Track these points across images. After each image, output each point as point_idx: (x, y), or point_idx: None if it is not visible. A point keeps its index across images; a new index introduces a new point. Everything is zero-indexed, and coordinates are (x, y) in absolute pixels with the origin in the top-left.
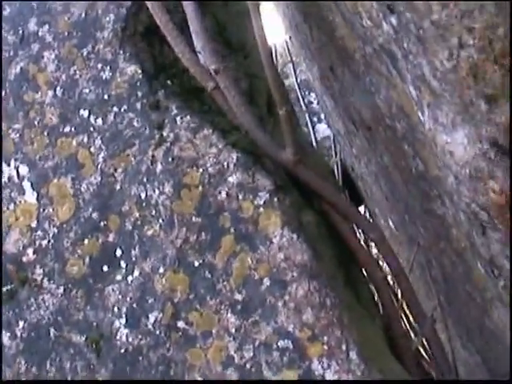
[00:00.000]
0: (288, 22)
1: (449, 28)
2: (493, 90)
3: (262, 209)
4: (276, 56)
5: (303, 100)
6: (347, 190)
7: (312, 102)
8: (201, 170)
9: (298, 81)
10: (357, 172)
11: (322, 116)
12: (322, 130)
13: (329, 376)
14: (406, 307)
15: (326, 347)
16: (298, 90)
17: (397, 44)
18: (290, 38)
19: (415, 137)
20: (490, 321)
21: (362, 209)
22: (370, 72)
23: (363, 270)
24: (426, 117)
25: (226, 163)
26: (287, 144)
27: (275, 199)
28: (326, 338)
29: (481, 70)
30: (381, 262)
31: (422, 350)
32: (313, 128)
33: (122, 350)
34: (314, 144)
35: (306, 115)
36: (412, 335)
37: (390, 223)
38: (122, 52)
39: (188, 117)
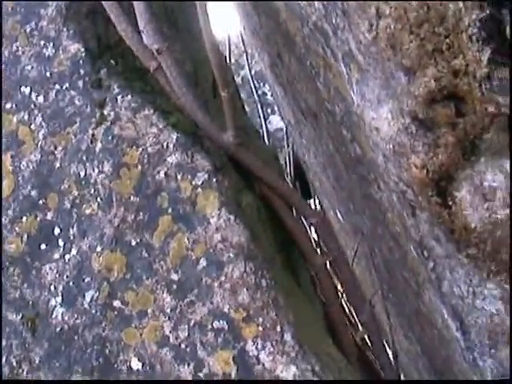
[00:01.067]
0: (241, 11)
1: None
2: (410, 61)
3: (200, 189)
4: (230, 46)
5: (256, 91)
6: (299, 181)
7: (266, 94)
8: (140, 149)
9: (253, 72)
10: (307, 163)
11: (276, 107)
12: (276, 121)
13: (263, 357)
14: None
15: (260, 328)
16: (251, 81)
17: (327, 20)
18: (244, 28)
19: (351, 119)
20: (424, 305)
21: (313, 201)
22: (309, 54)
23: (302, 254)
24: (355, 94)
25: (165, 143)
26: (229, 126)
27: (214, 180)
28: (260, 319)
29: (398, 40)
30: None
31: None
32: (265, 119)
33: (58, 329)
34: (266, 136)
35: (259, 106)
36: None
37: (338, 214)
38: (65, 30)
39: (129, 96)
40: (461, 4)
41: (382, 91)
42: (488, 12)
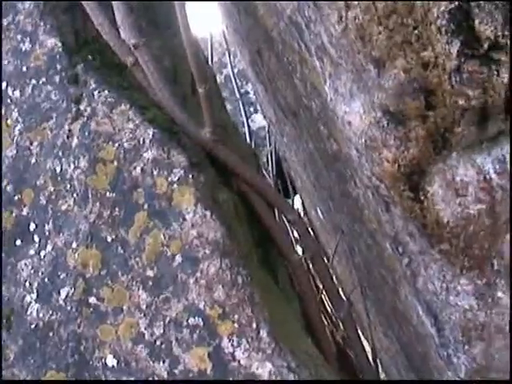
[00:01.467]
0: (222, 9)
1: None
2: (379, 52)
3: (176, 185)
4: (212, 45)
5: (239, 89)
6: (280, 181)
7: (249, 92)
8: (116, 145)
9: (236, 70)
10: (289, 162)
11: (258, 106)
12: (258, 120)
13: (239, 354)
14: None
15: (236, 325)
16: (233, 80)
17: (300, 13)
18: (227, 26)
19: (327, 115)
20: (400, 302)
21: (297, 200)
22: (286, 50)
23: (280, 251)
24: (328, 89)
25: (141, 139)
26: (206, 122)
27: (190, 176)
28: (236, 316)
29: (367, 31)
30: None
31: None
32: (248, 118)
33: (33, 326)
34: (249, 135)
35: (241, 104)
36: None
37: (319, 212)
38: (42, 24)
39: (106, 91)
40: None
41: (354, 84)
42: (457, 3)
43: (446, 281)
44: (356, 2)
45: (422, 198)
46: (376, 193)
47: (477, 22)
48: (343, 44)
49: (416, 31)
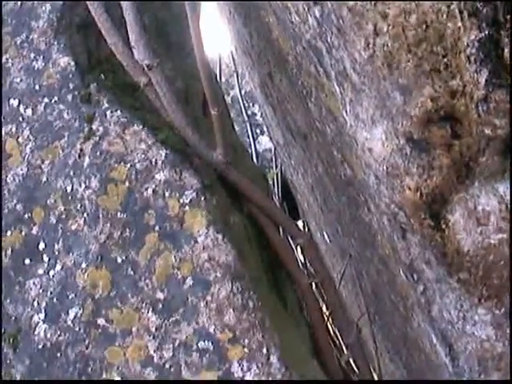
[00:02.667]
0: (232, 30)
1: (364, 14)
2: (407, 80)
3: (187, 207)
4: (220, 66)
5: (246, 111)
6: (286, 203)
7: (255, 114)
8: (128, 165)
9: (243, 92)
10: (295, 184)
11: (265, 128)
12: (265, 141)
13: (248, 379)
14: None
15: (246, 350)
16: (240, 101)
17: (321, 38)
18: (235, 47)
19: (343, 140)
20: (412, 329)
21: (300, 223)
22: (301, 74)
23: (289, 275)
24: (348, 114)
25: (154, 160)
26: (218, 145)
27: (202, 198)
28: (246, 340)
29: (395, 59)
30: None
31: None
32: (254, 139)
33: (40, 346)
34: (255, 156)
35: (248, 126)
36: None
37: (325, 236)
38: (56, 43)
39: (119, 111)
40: (459, 24)
41: (377, 111)
42: (486, 33)
43: (463, 310)
44: (385, 29)
45: (443, 226)
46: (393, 219)
47: (506, 51)
48: (368, 70)
49: (445, 59)
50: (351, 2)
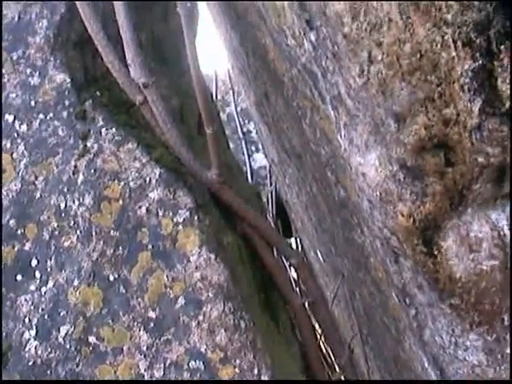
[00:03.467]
0: (229, 48)
1: (359, 42)
2: (401, 108)
3: (181, 226)
4: (217, 83)
5: (241, 128)
6: (280, 221)
7: (251, 131)
8: (122, 183)
9: (239, 109)
10: (289, 202)
11: (260, 145)
12: (260, 159)
13: None
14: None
15: (237, 370)
16: (236, 118)
17: (316, 62)
18: (232, 65)
19: (337, 162)
20: (404, 352)
21: (293, 240)
22: (296, 95)
23: (281, 295)
24: (342, 138)
25: (148, 178)
26: (212, 164)
27: (195, 218)
28: (238, 360)
29: (389, 86)
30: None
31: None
32: (249, 157)
33: (31, 363)
34: (250, 173)
35: (243, 143)
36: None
37: (319, 255)
38: (52, 59)
39: (113, 129)
40: (453, 53)
41: (371, 137)
42: (480, 62)
43: (455, 335)
44: (380, 57)
45: (436, 252)
46: (386, 244)
47: (499, 81)
48: (362, 97)
49: (439, 88)
50: (346, 29)
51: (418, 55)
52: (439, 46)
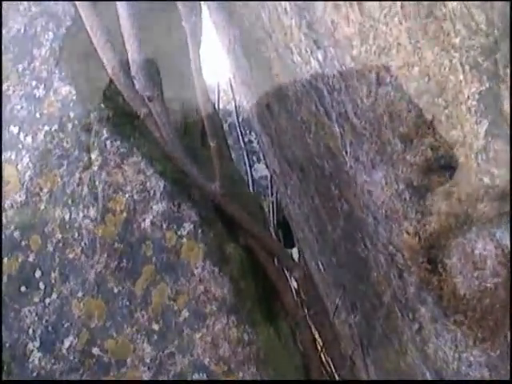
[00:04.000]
0: (231, 59)
1: (367, 64)
2: (408, 129)
3: (185, 239)
4: (219, 93)
5: (243, 138)
6: (282, 231)
7: (252, 142)
8: (127, 195)
9: (240, 119)
10: (291, 213)
11: (262, 156)
12: (261, 169)
13: None
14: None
15: None
16: (238, 128)
17: (323, 80)
18: (234, 75)
19: (340, 177)
20: (406, 365)
21: (295, 251)
22: (301, 109)
23: (284, 307)
24: (348, 155)
25: (152, 191)
26: (216, 176)
27: (199, 231)
28: (241, 373)
29: (397, 108)
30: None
31: None
32: (251, 167)
33: (34, 374)
34: (251, 183)
35: (245, 153)
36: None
37: (320, 266)
38: (57, 71)
39: (118, 142)
40: (461, 77)
41: (377, 156)
42: (487, 85)
43: (459, 351)
44: (388, 80)
45: (441, 270)
46: (390, 259)
47: (505, 103)
48: (369, 117)
49: (446, 111)
50: (354, 51)
51: (426, 78)
52: (447, 69)
